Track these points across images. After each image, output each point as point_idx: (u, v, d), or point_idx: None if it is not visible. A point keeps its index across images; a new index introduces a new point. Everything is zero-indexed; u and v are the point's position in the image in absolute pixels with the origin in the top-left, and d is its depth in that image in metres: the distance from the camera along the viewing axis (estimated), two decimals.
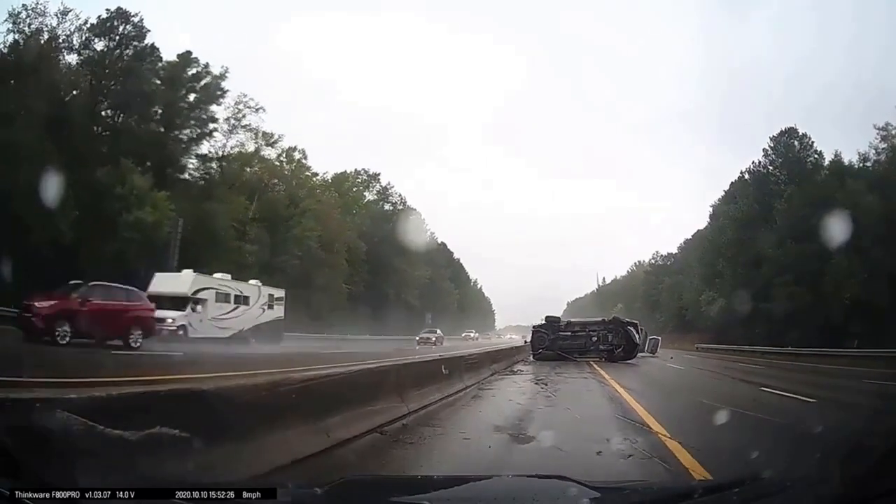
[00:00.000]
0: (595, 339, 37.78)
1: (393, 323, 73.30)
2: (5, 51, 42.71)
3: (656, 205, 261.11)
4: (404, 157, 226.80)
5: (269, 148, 62.58)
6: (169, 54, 53.11)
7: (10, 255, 27.79)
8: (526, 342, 42.32)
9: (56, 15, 45.61)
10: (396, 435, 8.19)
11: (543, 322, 40.00)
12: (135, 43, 49.71)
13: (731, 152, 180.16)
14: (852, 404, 15.16)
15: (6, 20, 42.96)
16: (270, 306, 41.45)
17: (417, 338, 59.61)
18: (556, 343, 37.52)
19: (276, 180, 64.69)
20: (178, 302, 32.35)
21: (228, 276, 38.58)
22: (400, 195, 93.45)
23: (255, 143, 60.05)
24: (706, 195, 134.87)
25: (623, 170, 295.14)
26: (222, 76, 55.03)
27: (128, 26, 49.38)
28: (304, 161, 70.76)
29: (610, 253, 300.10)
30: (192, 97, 54.16)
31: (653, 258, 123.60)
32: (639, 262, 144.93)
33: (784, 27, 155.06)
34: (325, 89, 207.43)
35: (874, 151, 56.79)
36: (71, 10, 46.39)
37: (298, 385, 6.67)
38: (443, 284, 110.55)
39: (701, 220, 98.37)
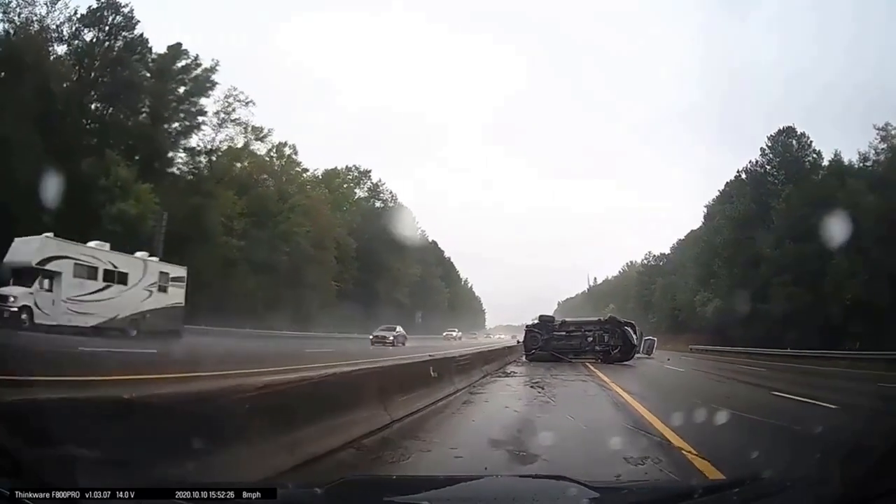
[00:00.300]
0: (591, 339, 36.78)
1: (383, 321, 71.06)
2: None
3: (650, 205, 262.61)
4: (399, 156, 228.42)
5: (259, 143, 61.81)
6: (162, 48, 52.66)
7: None
8: (518, 342, 41.46)
9: (46, 3, 44.96)
10: (376, 450, 7.20)
11: (537, 321, 39.14)
12: (124, 34, 49.03)
13: (729, 152, 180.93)
14: (879, 410, 14.28)
15: None
16: (163, 288, 33.28)
17: (371, 336, 47.41)
18: (550, 343, 36.43)
19: (265, 175, 63.86)
20: (24, 275, 26.06)
21: (106, 246, 30.88)
22: (391, 192, 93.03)
23: (245, 137, 59.32)
24: (700, 195, 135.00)
25: (617, 170, 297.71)
26: (212, 69, 54.22)
27: (118, 17, 48.71)
28: (294, 157, 70.17)
29: (602, 254, 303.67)
30: (181, 90, 53.41)
31: (645, 258, 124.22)
32: (631, 262, 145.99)
33: (784, 27, 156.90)
34: (324, 89, 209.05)
35: (874, 152, 56.12)
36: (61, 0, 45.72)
37: (255, 393, 5.62)
38: (433, 283, 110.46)
39: (695, 221, 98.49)
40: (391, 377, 10.13)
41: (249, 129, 59.05)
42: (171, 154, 52.44)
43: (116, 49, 48.40)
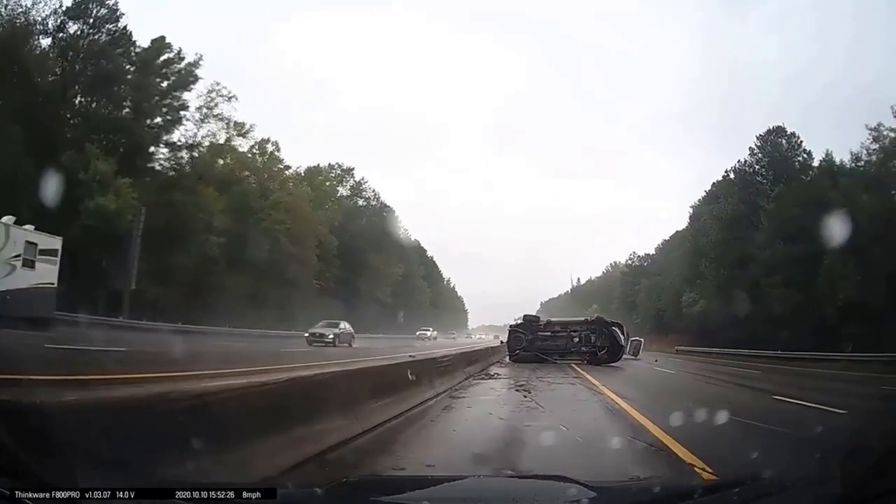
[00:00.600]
0: (577, 339, 36.27)
1: (365, 320, 70.94)
2: None
3: (635, 206, 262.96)
4: (388, 155, 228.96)
5: (241, 138, 61.06)
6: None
7: None
8: (501, 343, 40.86)
9: None
10: (339, 469, 6.34)
11: (521, 321, 38.51)
12: (108, 26, 48.43)
13: (721, 153, 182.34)
14: (891, 414, 13.89)
15: None
16: (29, 263, 26.16)
17: (306, 334, 39.50)
18: (535, 344, 35.86)
19: (247, 172, 63.30)
20: None
21: None
22: (374, 190, 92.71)
23: (227, 133, 58.57)
24: (687, 196, 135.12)
25: (602, 171, 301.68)
26: (196, 63, 53.45)
27: (102, 9, 48.20)
28: (277, 153, 69.72)
29: (586, 254, 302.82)
30: (164, 84, 52.53)
31: (629, 259, 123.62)
32: (615, 262, 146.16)
33: (784, 27, 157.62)
34: (324, 89, 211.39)
35: (866, 152, 55.66)
36: None
37: (191, 401, 4.82)
38: (415, 282, 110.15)
39: (680, 222, 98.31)
40: (363, 381, 9.32)
41: (231, 124, 58.33)
42: (152, 149, 51.55)
43: (100, 42, 47.77)
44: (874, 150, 54.68)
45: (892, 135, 51.62)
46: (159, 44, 52.18)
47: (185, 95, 53.35)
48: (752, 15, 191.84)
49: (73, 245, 34.97)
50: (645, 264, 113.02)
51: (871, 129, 54.12)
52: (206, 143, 55.91)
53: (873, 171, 53.52)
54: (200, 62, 53.34)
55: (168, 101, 52.47)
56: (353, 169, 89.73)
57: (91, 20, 47.33)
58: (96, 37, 47.63)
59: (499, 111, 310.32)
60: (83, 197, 39.43)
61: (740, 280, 60.19)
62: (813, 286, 51.01)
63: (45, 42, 46.07)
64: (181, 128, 53.46)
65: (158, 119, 52.03)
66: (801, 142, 69.52)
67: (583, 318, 39.13)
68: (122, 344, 20.89)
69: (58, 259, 28.27)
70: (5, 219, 25.38)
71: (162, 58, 52.17)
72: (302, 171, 79.04)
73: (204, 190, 51.65)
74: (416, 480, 5.23)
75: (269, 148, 68.12)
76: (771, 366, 39.28)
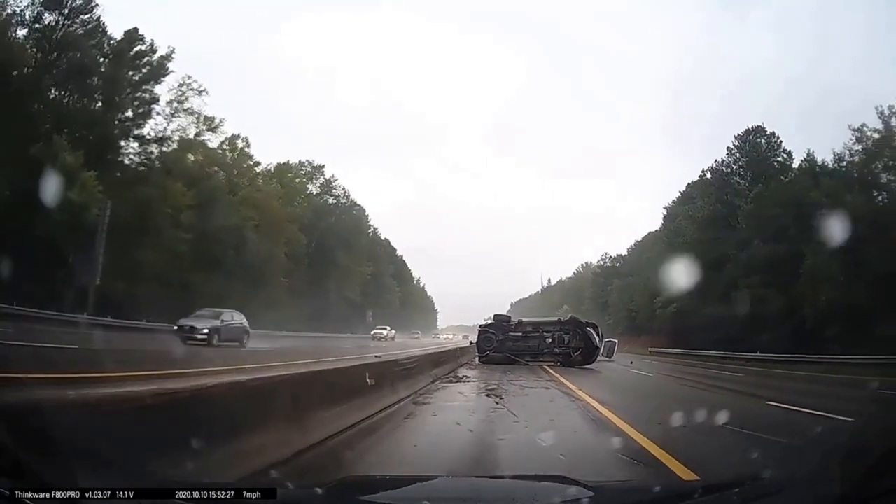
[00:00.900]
0: (549, 340, 35.27)
1: (334, 319, 72.66)
2: None
3: (609, 206, 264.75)
4: (346, 151, 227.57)
5: (211, 133, 60.48)
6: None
7: None
8: (471, 343, 40.45)
9: None
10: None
11: (491, 321, 37.65)
12: (82, 17, 48.05)
13: (698, 155, 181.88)
14: None
15: None
16: None
17: (175, 327, 31.02)
18: (506, 344, 34.88)
19: (216, 167, 63.21)
20: None
21: None
22: (343, 188, 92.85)
23: (197, 127, 58.09)
24: (661, 198, 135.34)
25: (577, 173, 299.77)
26: (168, 56, 52.96)
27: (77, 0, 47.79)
28: (246, 150, 69.59)
29: (556, 255, 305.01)
30: (136, 77, 52.02)
31: (601, 260, 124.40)
32: (586, 263, 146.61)
33: (785, 28, 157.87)
34: (324, 89, 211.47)
35: (849, 153, 55.16)
36: None
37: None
38: (385, 281, 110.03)
39: (654, 223, 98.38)
40: (312, 386, 8.14)
41: (202, 118, 57.81)
42: (121, 142, 51.17)
43: (74, 33, 47.32)
44: (857, 150, 54.30)
45: (875, 135, 50.88)
46: (132, 36, 51.70)
47: (157, 89, 53.03)
48: (751, 15, 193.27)
49: (44, 241, 36.08)
50: (617, 265, 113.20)
51: (854, 130, 53.71)
52: (176, 138, 55.42)
53: (856, 171, 52.94)
54: (173, 55, 52.93)
55: (139, 94, 51.93)
56: (323, 166, 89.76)
57: (66, 11, 46.78)
58: (71, 28, 47.19)
59: (496, 114, 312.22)
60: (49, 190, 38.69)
61: (717, 281, 59.51)
62: (793, 287, 50.38)
63: (22, 33, 45.65)
64: (151, 121, 53.05)
65: (129, 112, 51.52)
66: (781, 142, 69.49)
67: (556, 318, 38.29)
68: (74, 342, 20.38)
69: None
70: None
71: (134, 50, 51.68)
72: (272, 168, 78.80)
73: (172, 184, 51.15)
74: (415, 480, 5.08)
75: (240, 144, 68.08)
76: (752, 368, 38.66)
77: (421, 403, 12.63)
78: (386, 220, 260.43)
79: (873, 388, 20.74)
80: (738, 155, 71.43)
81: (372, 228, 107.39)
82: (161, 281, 44.83)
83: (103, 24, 49.04)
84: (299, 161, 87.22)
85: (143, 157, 52.24)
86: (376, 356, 15.50)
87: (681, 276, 55.31)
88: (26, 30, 45.42)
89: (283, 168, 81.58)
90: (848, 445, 5.93)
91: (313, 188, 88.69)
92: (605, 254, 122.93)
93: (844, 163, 55.19)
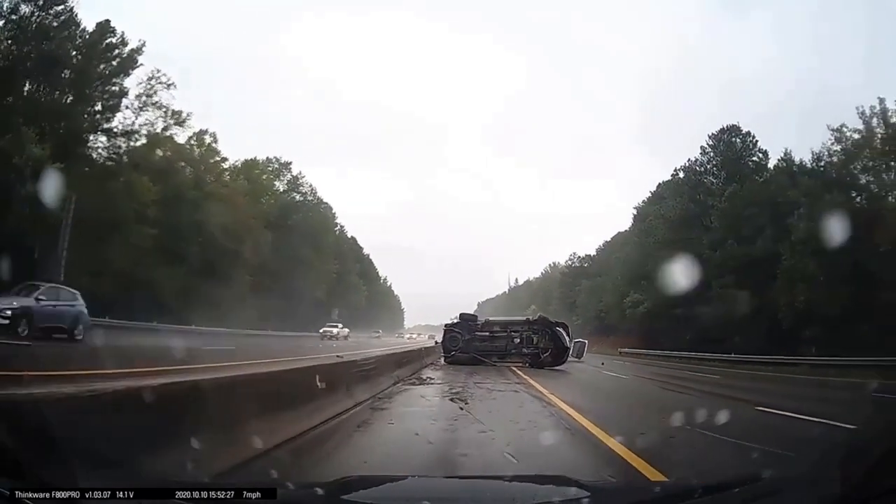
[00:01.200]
0: (517, 340, 34.64)
1: (300, 318, 72.77)
2: None
3: (579, 206, 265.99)
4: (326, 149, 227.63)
5: (179, 127, 59.71)
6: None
7: None
8: (436, 343, 40.15)
9: None
10: None
11: (457, 320, 37.07)
12: (56, 7, 47.46)
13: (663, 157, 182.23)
14: None
15: None
16: None
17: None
18: (472, 345, 34.19)
19: (182, 163, 62.74)
20: None
21: None
22: (311, 186, 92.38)
23: (165, 121, 57.45)
24: (631, 198, 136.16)
25: (547, 173, 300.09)
26: (139, 49, 52.78)
27: None
28: (214, 145, 69.19)
29: (523, 256, 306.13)
30: (107, 70, 51.73)
31: (569, 260, 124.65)
32: (554, 263, 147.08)
33: (785, 29, 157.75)
34: (324, 89, 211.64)
35: (827, 153, 55.05)
36: None
37: None
38: (351, 280, 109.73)
39: (623, 223, 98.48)
40: (248, 391, 7.09)
41: (170, 113, 57.05)
42: (89, 136, 50.79)
43: (48, 24, 46.82)
44: (836, 151, 54.27)
45: (855, 136, 50.46)
46: (104, 28, 51.40)
47: (126, 82, 52.80)
48: (752, 15, 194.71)
49: (10, 236, 35.61)
50: (586, 265, 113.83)
51: (833, 130, 53.64)
52: (144, 132, 55.01)
53: (835, 172, 52.74)
54: (143, 48, 52.74)
55: (109, 87, 51.65)
56: (290, 163, 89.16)
57: (41, 2, 46.27)
58: (46, 19, 46.69)
59: (496, 114, 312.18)
60: (15, 183, 39.10)
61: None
62: (769, 287, 49.94)
63: None
64: (119, 115, 52.74)
65: (99, 105, 51.28)
66: (756, 141, 69.14)
67: (524, 318, 37.66)
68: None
69: None
70: None
71: (105, 42, 51.38)
72: (240, 164, 78.45)
73: (138, 179, 50.83)
74: (416, 480, 5.21)
75: (207, 139, 67.59)
76: (727, 370, 37.96)
77: (378, 409, 11.94)
78: (352, 219, 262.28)
79: (864, 390, 20.95)
80: (711, 154, 71.19)
81: (338, 226, 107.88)
82: (124, 277, 44.56)
83: (76, 15, 48.63)
84: (266, 157, 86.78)
85: (110, 151, 51.94)
86: (338, 356, 14.78)
87: (652, 275, 55.27)
88: (2, 21, 44.68)
89: (250, 164, 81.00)
90: (848, 445, 6.00)
91: (280, 185, 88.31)
92: (574, 254, 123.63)
93: (823, 163, 54.91)
